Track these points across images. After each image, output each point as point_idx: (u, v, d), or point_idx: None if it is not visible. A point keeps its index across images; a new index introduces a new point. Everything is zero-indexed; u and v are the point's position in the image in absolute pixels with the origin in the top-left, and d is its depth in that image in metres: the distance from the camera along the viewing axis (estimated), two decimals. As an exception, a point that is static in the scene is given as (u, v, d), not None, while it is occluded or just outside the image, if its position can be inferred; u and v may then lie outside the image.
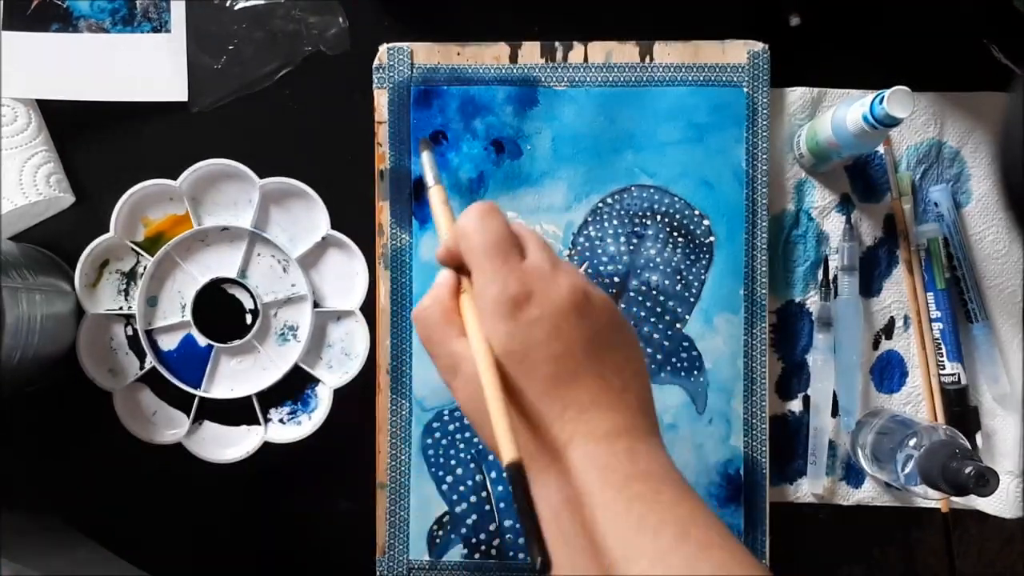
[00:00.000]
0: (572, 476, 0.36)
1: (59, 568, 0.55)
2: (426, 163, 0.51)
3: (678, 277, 0.60)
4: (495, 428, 0.36)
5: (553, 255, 0.40)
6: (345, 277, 0.62)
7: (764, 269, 0.60)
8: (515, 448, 0.35)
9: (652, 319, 0.60)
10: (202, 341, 0.61)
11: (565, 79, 0.60)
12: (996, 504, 0.60)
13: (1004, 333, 0.61)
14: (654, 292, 0.60)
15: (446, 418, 0.61)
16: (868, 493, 0.61)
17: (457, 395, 0.40)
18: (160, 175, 0.60)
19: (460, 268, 0.41)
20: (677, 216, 0.60)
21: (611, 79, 0.60)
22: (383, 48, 0.61)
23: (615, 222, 0.61)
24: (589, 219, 0.61)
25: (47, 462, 0.62)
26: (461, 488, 0.60)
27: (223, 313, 0.62)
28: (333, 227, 0.61)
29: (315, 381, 0.62)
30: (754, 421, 0.60)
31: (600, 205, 0.61)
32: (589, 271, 0.61)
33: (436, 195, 0.47)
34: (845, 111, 0.54)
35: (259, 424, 0.62)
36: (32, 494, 0.62)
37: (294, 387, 0.62)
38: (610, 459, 0.37)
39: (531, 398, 0.38)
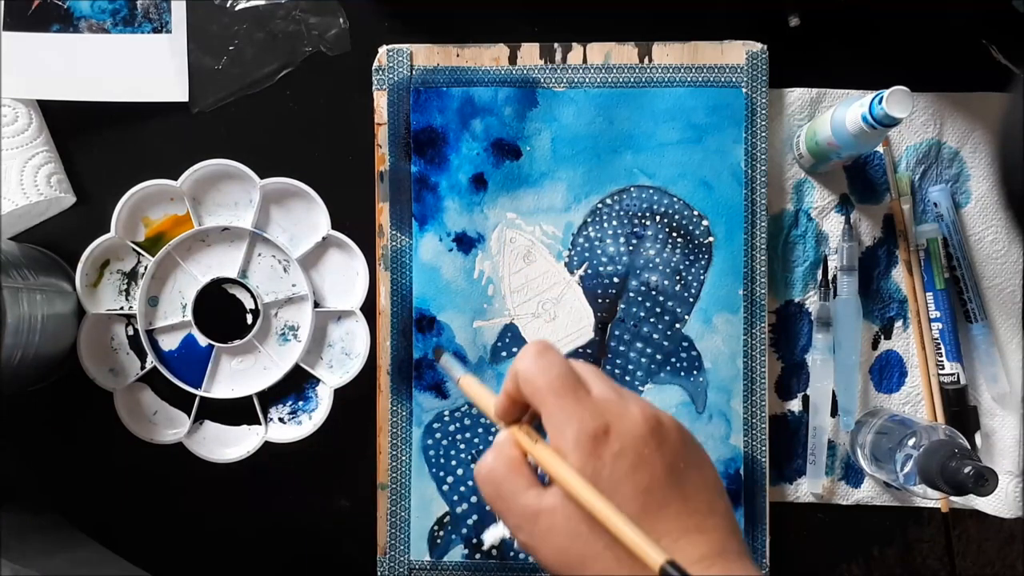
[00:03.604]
0: None
1: (59, 568, 0.55)
2: (446, 365, 0.55)
3: (677, 277, 0.60)
4: (630, 539, 0.34)
5: (615, 383, 0.39)
6: (345, 277, 0.62)
7: (763, 269, 0.60)
8: (661, 549, 0.33)
9: (651, 319, 0.60)
10: (203, 341, 0.61)
11: (564, 80, 0.60)
12: (995, 504, 0.61)
13: (1003, 333, 0.61)
14: (653, 292, 0.60)
15: (446, 418, 0.61)
16: (867, 493, 0.62)
17: (540, 549, 0.37)
18: (161, 175, 0.60)
19: (517, 419, 0.40)
20: (676, 216, 0.60)
21: (610, 80, 0.60)
22: (383, 50, 0.61)
23: (614, 223, 0.61)
24: (589, 220, 0.61)
25: (48, 462, 0.63)
26: (462, 488, 0.60)
27: (224, 313, 0.62)
28: (333, 227, 0.61)
29: (315, 381, 0.62)
30: (754, 421, 0.60)
31: (599, 206, 0.61)
32: (589, 272, 0.61)
33: (468, 383, 0.45)
34: (844, 111, 0.54)
35: (259, 424, 0.62)
36: (32, 494, 0.62)
37: (295, 387, 0.62)
38: None
39: None
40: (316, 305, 0.61)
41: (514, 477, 0.38)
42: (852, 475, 0.62)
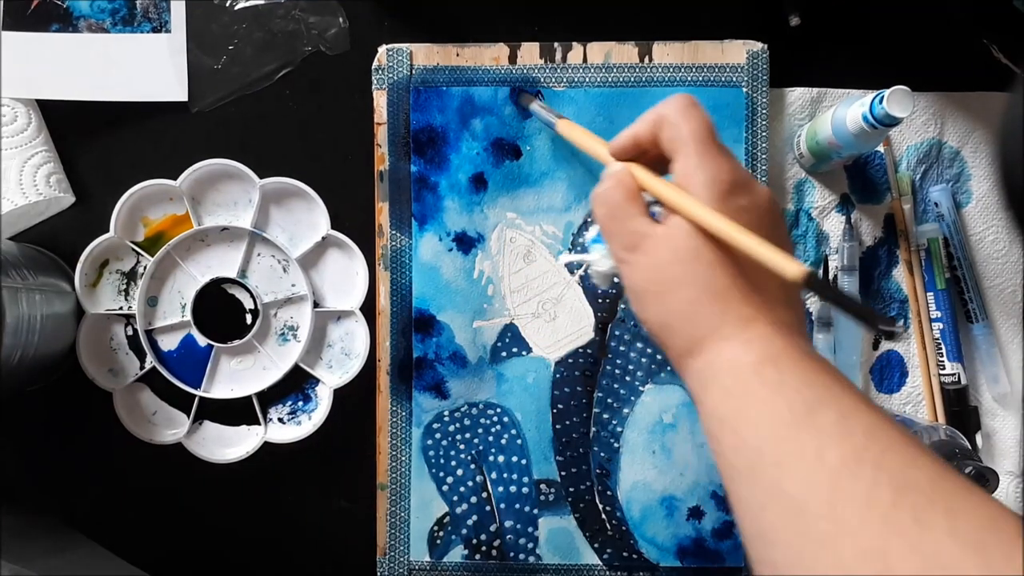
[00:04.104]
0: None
1: (59, 568, 0.55)
2: (540, 109, 0.57)
3: (678, 277, 0.60)
4: (760, 252, 0.36)
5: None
6: (345, 277, 0.62)
7: (764, 269, 0.60)
8: (797, 262, 0.36)
9: (652, 319, 0.60)
10: (202, 341, 0.61)
11: (564, 80, 0.60)
12: (996, 504, 0.60)
13: (1004, 333, 0.61)
14: (654, 292, 0.60)
15: (446, 419, 0.61)
16: (868, 493, 0.61)
17: (633, 274, 0.40)
18: (160, 175, 0.60)
19: (635, 159, 0.43)
20: (677, 216, 0.60)
21: (610, 79, 0.60)
22: (382, 49, 0.61)
23: (615, 222, 0.61)
24: (589, 219, 0.61)
25: (47, 462, 0.63)
26: (462, 489, 0.60)
27: (223, 313, 0.62)
28: (333, 227, 0.61)
29: (315, 381, 0.62)
30: (754, 421, 0.60)
31: (600, 205, 0.61)
32: (589, 272, 0.61)
33: (567, 126, 0.52)
34: (845, 111, 0.54)
35: (259, 424, 0.62)
36: (32, 494, 0.62)
37: (294, 387, 0.62)
38: None
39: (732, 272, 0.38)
40: (316, 305, 0.61)
41: (629, 203, 0.41)
42: (852, 475, 0.61)
